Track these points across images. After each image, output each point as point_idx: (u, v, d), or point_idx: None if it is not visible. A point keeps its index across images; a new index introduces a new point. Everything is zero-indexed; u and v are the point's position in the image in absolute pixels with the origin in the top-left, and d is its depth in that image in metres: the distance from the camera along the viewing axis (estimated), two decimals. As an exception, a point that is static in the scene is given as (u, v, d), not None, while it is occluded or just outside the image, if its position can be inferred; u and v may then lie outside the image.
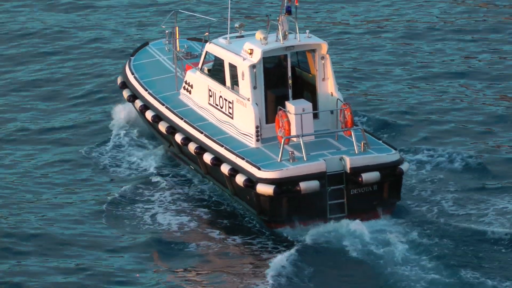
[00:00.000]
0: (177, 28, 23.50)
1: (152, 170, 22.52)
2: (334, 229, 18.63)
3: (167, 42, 24.81)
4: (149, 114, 22.11)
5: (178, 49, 23.42)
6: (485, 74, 30.30)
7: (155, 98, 22.28)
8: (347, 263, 18.09)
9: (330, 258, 18.26)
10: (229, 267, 18.28)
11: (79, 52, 32.93)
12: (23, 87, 29.96)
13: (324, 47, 19.76)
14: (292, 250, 18.10)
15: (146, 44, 25.92)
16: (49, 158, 24.02)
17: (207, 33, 22.52)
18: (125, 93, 23.64)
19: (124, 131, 24.69)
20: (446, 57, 31.96)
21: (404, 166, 19.04)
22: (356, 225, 18.63)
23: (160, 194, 21.23)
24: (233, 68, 19.99)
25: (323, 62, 19.91)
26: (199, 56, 22.33)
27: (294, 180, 18.13)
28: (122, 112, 25.33)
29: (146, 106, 22.41)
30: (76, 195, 21.80)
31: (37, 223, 20.35)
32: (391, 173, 18.73)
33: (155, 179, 22.02)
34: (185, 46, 24.13)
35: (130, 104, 24.49)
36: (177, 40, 23.53)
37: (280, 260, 17.63)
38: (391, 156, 18.91)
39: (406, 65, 31.19)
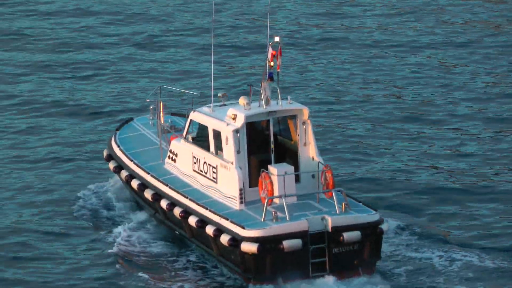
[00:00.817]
0: (161, 102, 24.46)
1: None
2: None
3: (151, 117, 25.65)
4: (134, 183, 22.72)
5: (162, 122, 24.27)
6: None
7: (140, 168, 22.95)
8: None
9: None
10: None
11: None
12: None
13: (306, 112, 20.65)
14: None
15: (131, 119, 26.86)
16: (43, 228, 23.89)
17: (190, 108, 23.41)
18: (111, 165, 24.40)
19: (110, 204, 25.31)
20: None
21: (384, 226, 19.66)
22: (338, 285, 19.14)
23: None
24: (217, 133, 20.77)
25: (304, 127, 20.76)
26: (182, 129, 23.15)
27: (278, 239, 18.63)
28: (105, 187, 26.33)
29: (132, 176, 23.04)
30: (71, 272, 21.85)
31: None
32: (371, 233, 19.30)
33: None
34: (169, 120, 25.07)
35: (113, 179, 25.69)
36: (162, 112, 24.39)
37: None
38: (372, 216, 19.60)
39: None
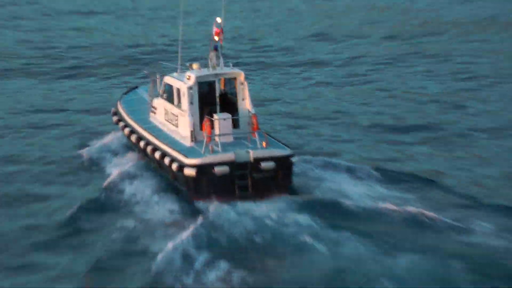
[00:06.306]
0: (157, 73, 30.17)
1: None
2: (241, 208, 23.24)
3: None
4: (127, 130, 28.95)
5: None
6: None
7: (132, 120, 29.19)
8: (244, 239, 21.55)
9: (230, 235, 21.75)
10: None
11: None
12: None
13: (242, 75, 26.04)
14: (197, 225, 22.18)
15: (136, 87, 33.63)
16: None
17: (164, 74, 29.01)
18: (114, 118, 30.86)
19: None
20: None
21: (294, 159, 24.75)
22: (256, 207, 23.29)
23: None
24: (177, 90, 26.44)
25: (242, 87, 26.16)
26: None
27: (211, 165, 23.76)
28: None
29: (126, 125, 29.33)
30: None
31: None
32: (283, 163, 24.32)
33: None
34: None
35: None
36: (158, 80, 29.71)
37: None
38: (284, 151, 24.70)
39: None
